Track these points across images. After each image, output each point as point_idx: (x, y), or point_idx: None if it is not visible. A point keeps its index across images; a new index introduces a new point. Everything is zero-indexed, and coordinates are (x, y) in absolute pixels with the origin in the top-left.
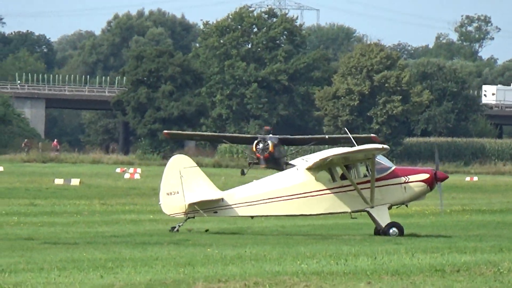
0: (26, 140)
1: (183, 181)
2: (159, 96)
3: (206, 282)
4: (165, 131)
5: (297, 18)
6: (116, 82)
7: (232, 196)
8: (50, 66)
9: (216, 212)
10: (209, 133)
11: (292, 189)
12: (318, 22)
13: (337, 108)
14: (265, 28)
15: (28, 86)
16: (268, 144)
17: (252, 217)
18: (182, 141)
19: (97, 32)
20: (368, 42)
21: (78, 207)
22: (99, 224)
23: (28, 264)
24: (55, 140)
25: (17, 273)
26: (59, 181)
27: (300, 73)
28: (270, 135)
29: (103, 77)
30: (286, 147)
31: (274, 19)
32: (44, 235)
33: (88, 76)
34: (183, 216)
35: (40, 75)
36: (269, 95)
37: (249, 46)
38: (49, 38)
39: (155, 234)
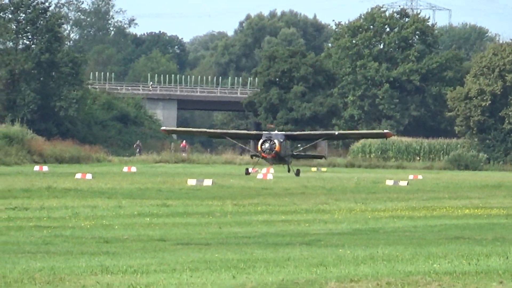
0: (138, 141)
1: None
2: (291, 97)
3: (338, 282)
4: (163, 127)
5: (429, 18)
6: (248, 83)
7: None
8: (182, 67)
9: None
10: (210, 130)
11: None
12: (450, 22)
13: (469, 109)
14: (397, 28)
15: (160, 87)
16: (274, 144)
17: None
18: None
19: (230, 33)
20: (501, 42)
21: (211, 207)
22: (231, 225)
23: (160, 265)
24: (184, 141)
25: (149, 274)
26: (191, 182)
27: (432, 73)
28: (276, 132)
29: (235, 78)
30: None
31: (406, 19)
32: (176, 236)
33: (220, 77)
34: None
35: (172, 76)
36: (401, 96)
37: (381, 46)
38: (182, 38)
39: (287, 235)
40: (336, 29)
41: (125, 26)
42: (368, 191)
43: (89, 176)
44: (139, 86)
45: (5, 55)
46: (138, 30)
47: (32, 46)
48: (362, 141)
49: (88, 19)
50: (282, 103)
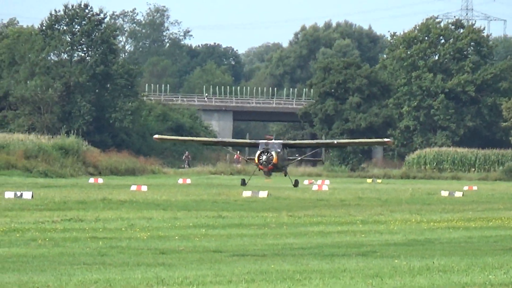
0: (187, 152)
1: None
2: (346, 108)
3: None
4: (156, 136)
5: (484, 29)
6: (304, 94)
7: None
8: (237, 79)
9: None
10: (205, 139)
11: None
12: (505, 32)
13: None
14: (452, 39)
15: (215, 98)
16: (272, 156)
17: None
18: (370, 153)
19: (285, 44)
20: None
21: (266, 219)
22: (287, 236)
23: (216, 276)
24: (238, 152)
25: (205, 286)
26: (247, 193)
27: (487, 84)
28: (273, 140)
29: (290, 89)
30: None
31: (461, 30)
32: (232, 247)
33: (275, 88)
34: None
35: (228, 88)
36: (457, 106)
37: (436, 57)
38: (237, 50)
39: (342, 246)
40: (391, 40)
41: (180, 37)
42: (423, 202)
43: (144, 188)
44: (194, 98)
45: (60, 67)
46: (193, 41)
47: (87, 58)
48: (417, 152)
49: (143, 30)
50: (338, 114)
